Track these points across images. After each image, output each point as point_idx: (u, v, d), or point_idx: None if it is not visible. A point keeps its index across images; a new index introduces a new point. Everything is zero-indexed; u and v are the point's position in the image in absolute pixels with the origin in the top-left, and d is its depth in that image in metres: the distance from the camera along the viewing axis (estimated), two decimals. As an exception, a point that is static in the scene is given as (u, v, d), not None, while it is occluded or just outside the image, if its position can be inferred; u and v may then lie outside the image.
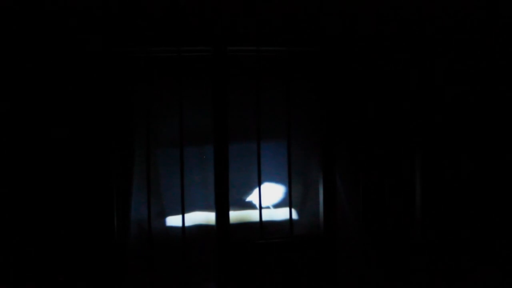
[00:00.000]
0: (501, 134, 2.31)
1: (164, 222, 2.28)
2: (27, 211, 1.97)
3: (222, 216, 2.11)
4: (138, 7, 2.00)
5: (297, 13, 2.13)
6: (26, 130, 1.98)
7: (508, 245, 2.30)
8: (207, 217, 2.30)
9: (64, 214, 1.99)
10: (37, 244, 1.97)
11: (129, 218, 2.17)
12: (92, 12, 1.98)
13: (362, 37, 2.22)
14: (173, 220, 2.28)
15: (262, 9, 2.08)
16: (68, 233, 2.00)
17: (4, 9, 1.91)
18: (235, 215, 2.27)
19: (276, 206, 2.40)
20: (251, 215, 2.33)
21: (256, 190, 2.27)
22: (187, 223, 2.19)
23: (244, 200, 2.36)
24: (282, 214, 2.37)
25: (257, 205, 2.25)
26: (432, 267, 2.27)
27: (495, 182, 2.30)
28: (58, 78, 2.00)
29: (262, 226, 2.22)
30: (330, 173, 2.22)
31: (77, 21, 1.99)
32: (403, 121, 2.31)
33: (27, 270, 1.96)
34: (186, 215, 2.19)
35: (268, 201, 2.39)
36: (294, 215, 2.35)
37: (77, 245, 2.00)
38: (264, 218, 2.26)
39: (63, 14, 1.97)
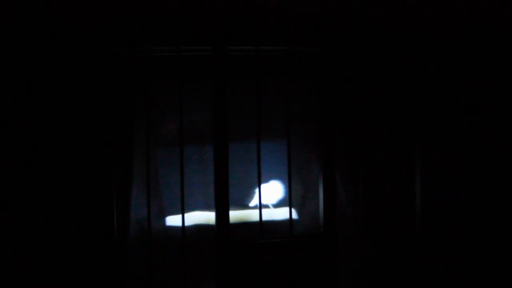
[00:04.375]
0: (503, 134, 2.31)
1: (164, 222, 2.28)
2: (26, 211, 1.97)
3: (222, 216, 2.11)
4: (138, 6, 1.99)
5: (297, 12, 2.12)
6: (25, 130, 1.97)
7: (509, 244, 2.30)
8: (207, 217, 2.30)
9: (63, 214, 1.99)
10: (36, 244, 1.97)
11: (129, 218, 2.17)
12: (91, 12, 1.98)
13: (362, 37, 2.22)
14: (173, 220, 2.27)
15: (262, 8, 2.07)
16: (68, 232, 2.00)
17: (3, 9, 1.90)
18: (235, 215, 2.27)
19: (276, 205, 2.40)
20: (251, 215, 2.33)
21: (256, 190, 2.27)
22: (187, 223, 2.19)
23: (244, 200, 2.36)
24: (282, 213, 2.37)
25: (257, 205, 2.25)
26: (432, 267, 2.27)
27: (496, 182, 2.30)
28: (57, 78, 2.00)
29: (262, 226, 2.22)
30: (330, 173, 2.22)
31: (77, 21, 1.99)
32: (403, 121, 2.30)
33: (26, 269, 1.96)
34: (186, 215, 2.19)
35: (268, 201, 2.39)
36: (294, 215, 2.35)
37: (77, 245, 2.00)
38: (264, 218, 2.26)
39: (63, 13, 1.96)
